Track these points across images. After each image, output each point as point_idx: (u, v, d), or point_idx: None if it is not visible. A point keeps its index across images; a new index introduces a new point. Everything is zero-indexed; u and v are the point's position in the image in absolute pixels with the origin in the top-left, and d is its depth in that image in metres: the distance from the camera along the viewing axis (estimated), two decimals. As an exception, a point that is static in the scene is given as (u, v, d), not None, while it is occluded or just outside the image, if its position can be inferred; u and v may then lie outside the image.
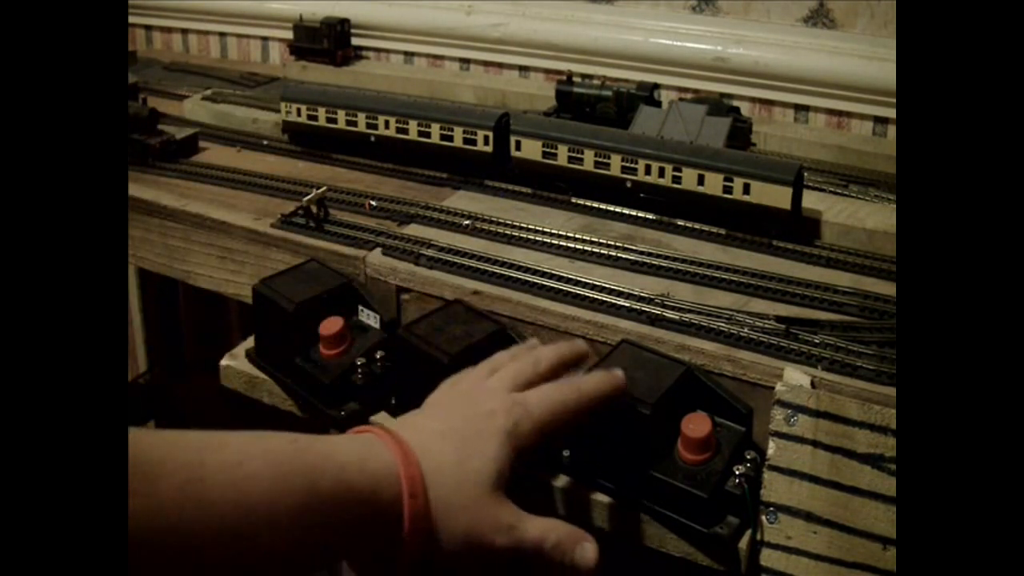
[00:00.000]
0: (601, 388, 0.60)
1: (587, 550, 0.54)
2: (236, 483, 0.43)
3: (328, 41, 1.37)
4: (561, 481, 0.67)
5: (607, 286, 0.76)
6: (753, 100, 1.19)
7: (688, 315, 0.72)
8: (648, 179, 0.88)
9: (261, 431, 0.48)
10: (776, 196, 0.82)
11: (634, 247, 0.83)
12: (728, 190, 0.84)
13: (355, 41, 1.42)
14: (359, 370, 0.74)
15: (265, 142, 1.14)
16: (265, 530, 0.44)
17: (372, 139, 1.04)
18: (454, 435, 0.53)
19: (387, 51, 1.45)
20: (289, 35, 1.41)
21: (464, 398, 0.57)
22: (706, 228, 0.87)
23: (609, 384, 0.60)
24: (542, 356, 0.61)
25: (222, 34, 1.61)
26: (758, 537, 0.61)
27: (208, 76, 1.44)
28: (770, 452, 0.61)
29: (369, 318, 0.79)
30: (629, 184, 0.89)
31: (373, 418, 0.76)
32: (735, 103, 1.16)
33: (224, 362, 0.84)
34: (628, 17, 1.26)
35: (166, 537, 0.41)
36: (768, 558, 0.61)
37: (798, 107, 1.17)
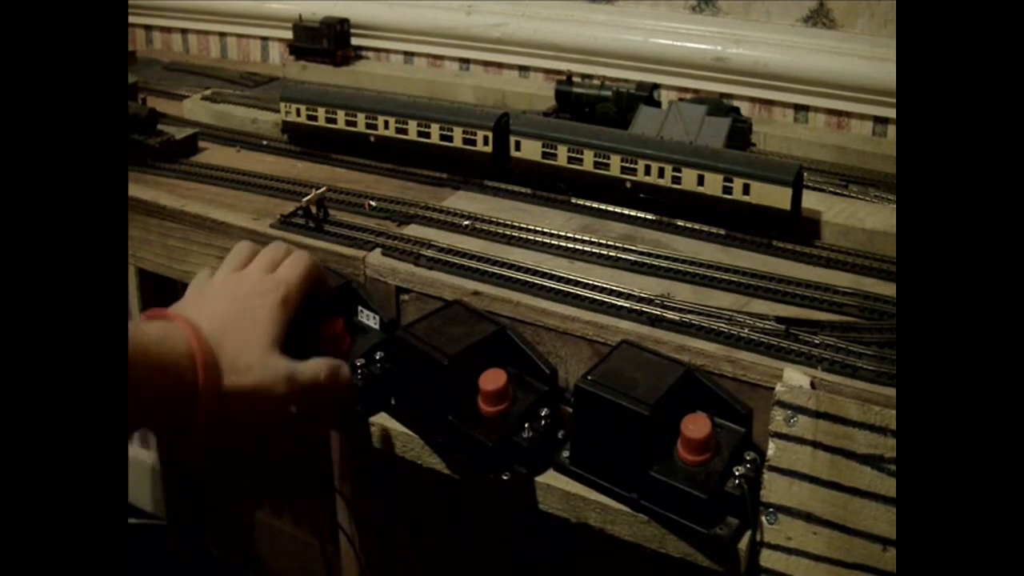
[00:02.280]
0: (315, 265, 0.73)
1: (344, 369, 0.70)
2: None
3: (328, 41, 1.37)
4: (561, 481, 0.67)
5: (607, 286, 0.76)
6: (753, 100, 1.19)
7: (688, 316, 0.72)
8: (648, 179, 0.88)
9: None
10: (776, 196, 0.82)
11: (634, 247, 0.83)
12: (728, 190, 0.84)
13: (355, 41, 1.42)
14: (359, 371, 0.74)
15: (265, 142, 1.13)
16: None
17: (372, 139, 1.04)
18: (232, 312, 0.66)
19: (387, 51, 1.45)
20: (289, 35, 1.41)
21: (244, 281, 0.69)
22: (706, 228, 0.87)
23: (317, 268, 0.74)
24: (278, 247, 0.74)
25: (222, 34, 1.61)
26: (758, 538, 0.61)
27: (208, 76, 1.44)
28: (770, 453, 0.61)
29: (369, 319, 0.79)
30: (629, 184, 0.89)
31: (372, 418, 0.76)
32: (735, 103, 1.16)
33: (224, 362, 0.83)
34: (628, 17, 1.26)
35: None
36: (768, 559, 0.61)
37: (798, 107, 1.17)
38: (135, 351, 0.56)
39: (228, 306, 0.66)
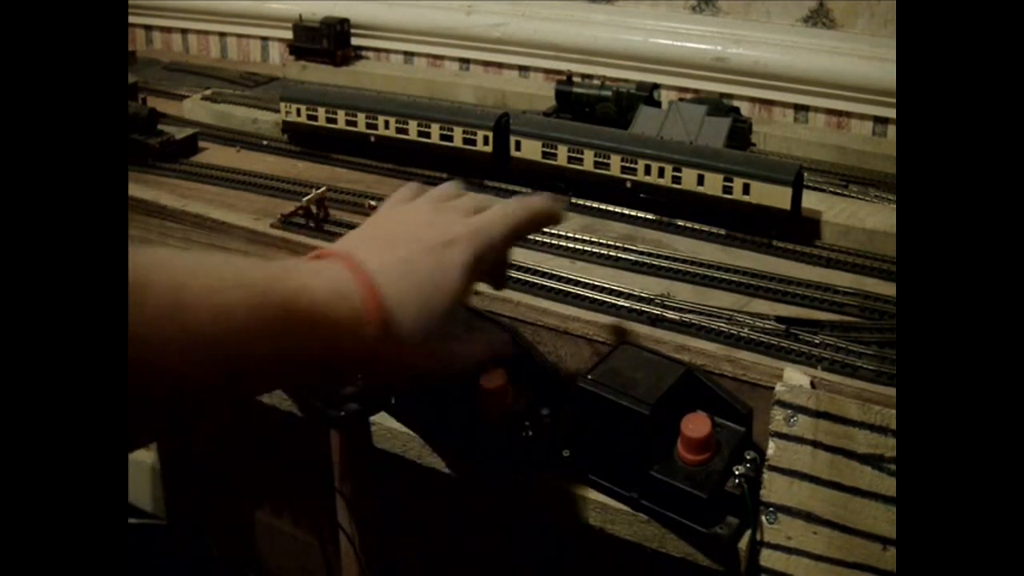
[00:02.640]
0: (548, 208, 0.62)
1: (503, 344, 0.66)
2: (214, 310, 0.45)
3: (328, 41, 1.37)
4: (561, 481, 0.67)
5: (607, 286, 0.76)
6: (753, 100, 1.19)
7: (688, 315, 0.72)
8: (648, 179, 0.88)
9: (234, 256, 0.52)
10: (776, 196, 0.82)
11: (634, 247, 0.83)
12: (728, 190, 0.84)
13: (355, 41, 1.42)
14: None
15: (265, 142, 1.13)
16: (242, 356, 0.47)
17: (372, 139, 1.04)
18: (416, 269, 0.54)
19: (387, 51, 1.45)
20: (289, 35, 1.41)
21: (423, 225, 0.58)
22: (706, 228, 0.87)
23: (551, 209, 0.62)
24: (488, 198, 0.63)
25: (222, 34, 1.61)
26: (758, 537, 0.61)
27: (208, 76, 1.44)
28: (770, 452, 0.61)
29: (369, 318, 0.79)
30: (629, 184, 0.89)
31: (372, 418, 0.76)
32: (735, 103, 1.16)
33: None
34: (628, 17, 1.26)
35: (151, 358, 0.43)
36: (768, 558, 0.61)
37: (798, 107, 1.17)
38: (300, 305, 0.49)
39: (410, 259, 0.55)
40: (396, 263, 0.54)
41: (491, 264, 0.59)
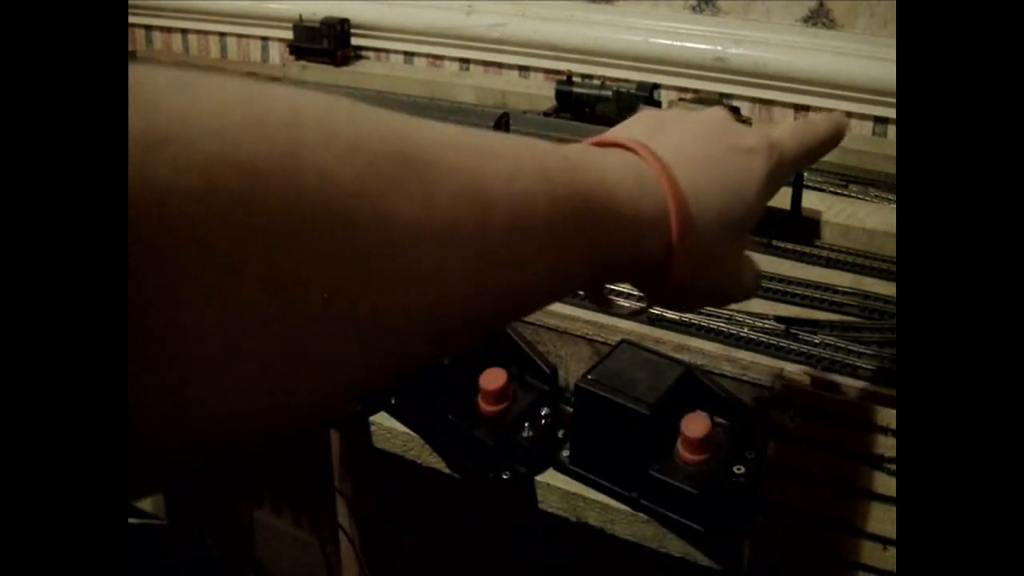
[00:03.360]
0: (836, 125, 0.55)
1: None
2: (511, 198, 0.37)
3: (328, 41, 1.37)
4: (561, 481, 0.67)
5: (607, 286, 0.76)
6: (753, 100, 1.19)
7: (688, 315, 0.72)
8: (648, 179, 0.88)
9: (524, 139, 0.42)
10: (775, 196, 0.82)
11: (634, 247, 0.83)
12: (728, 190, 0.84)
13: (355, 41, 1.42)
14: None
15: (265, 142, 1.13)
16: (536, 251, 0.39)
17: (372, 139, 1.04)
18: (718, 170, 0.47)
19: (387, 51, 1.45)
20: (289, 35, 1.41)
21: (717, 126, 0.49)
22: (706, 228, 0.86)
23: (840, 123, 0.56)
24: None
25: (222, 34, 1.61)
26: (758, 537, 0.61)
27: (208, 76, 1.44)
28: (770, 452, 0.61)
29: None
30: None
31: (372, 418, 0.76)
32: (735, 103, 1.16)
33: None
34: (628, 17, 1.26)
35: (436, 247, 0.34)
36: (768, 558, 0.61)
37: (798, 107, 1.17)
38: (601, 195, 0.41)
39: (709, 156, 0.47)
40: (695, 158, 0.46)
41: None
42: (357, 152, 0.30)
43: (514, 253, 0.37)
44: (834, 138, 0.55)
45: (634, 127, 0.49)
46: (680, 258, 0.44)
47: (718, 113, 0.51)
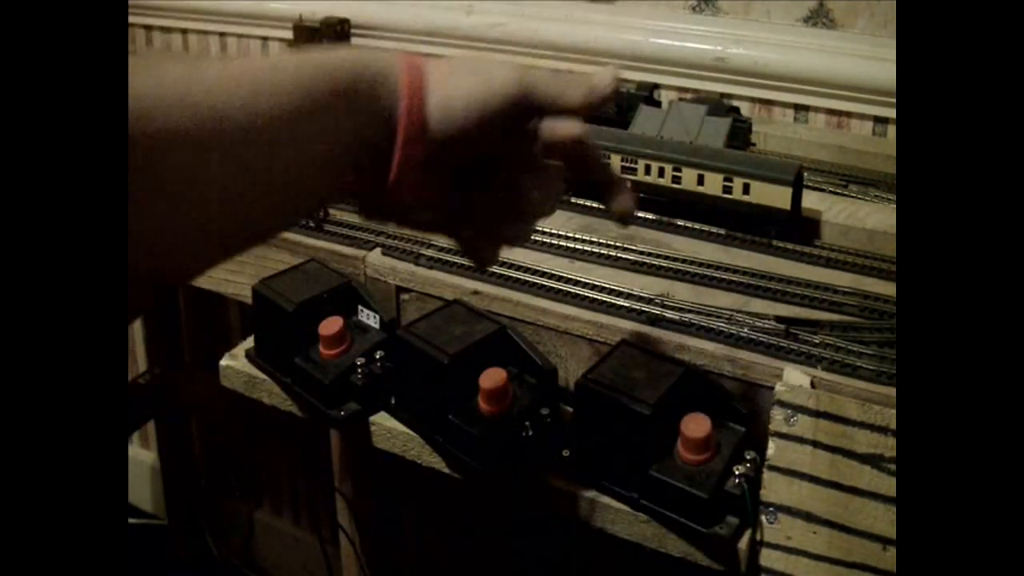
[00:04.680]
0: (598, 89, 0.57)
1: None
2: (235, 74, 0.42)
3: (328, 41, 1.37)
4: (561, 481, 0.67)
5: (607, 286, 0.76)
6: (753, 100, 1.19)
7: (688, 315, 0.72)
8: (648, 179, 0.88)
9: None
10: (776, 196, 0.82)
11: (634, 247, 0.83)
12: (728, 190, 0.84)
13: (355, 41, 1.42)
14: (359, 370, 0.74)
15: (265, 142, 1.13)
16: (265, 117, 0.42)
17: (372, 139, 1.04)
18: (466, 62, 0.50)
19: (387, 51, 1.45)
20: (289, 35, 1.41)
21: (466, 59, 0.53)
22: (706, 228, 0.87)
23: (611, 80, 0.57)
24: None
25: (222, 34, 1.61)
26: (758, 537, 0.61)
27: (208, 76, 1.44)
28: (770, 452, 0.61)
29: (369, 318, 0.79)
30: (629, 184, 0.89)
31: (372, 418, 0.76)
32: (735, 103, 1.16)
33: (224, 362, 0.84)
34: (628, 17, 1.26)
35: (168, 122, 0.40)
36: (768, 558, 0.61)
37: (798, 107, 1.17)
38: (338, 58, 0.45)
39: (460, 74, 0.49)
40: (446, 61, 0.50)
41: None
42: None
43: (250, 104, 0.41)
44: (602, 100, 0.57)
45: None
46: (414, 97, 0.47)
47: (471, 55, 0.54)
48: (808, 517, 0.60)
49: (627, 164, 0.88)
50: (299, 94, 0.43)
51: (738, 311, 0.72)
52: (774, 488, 0.61)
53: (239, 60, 0.43)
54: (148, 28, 1.69)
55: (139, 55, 0.39)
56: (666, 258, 0.81)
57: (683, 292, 0.76)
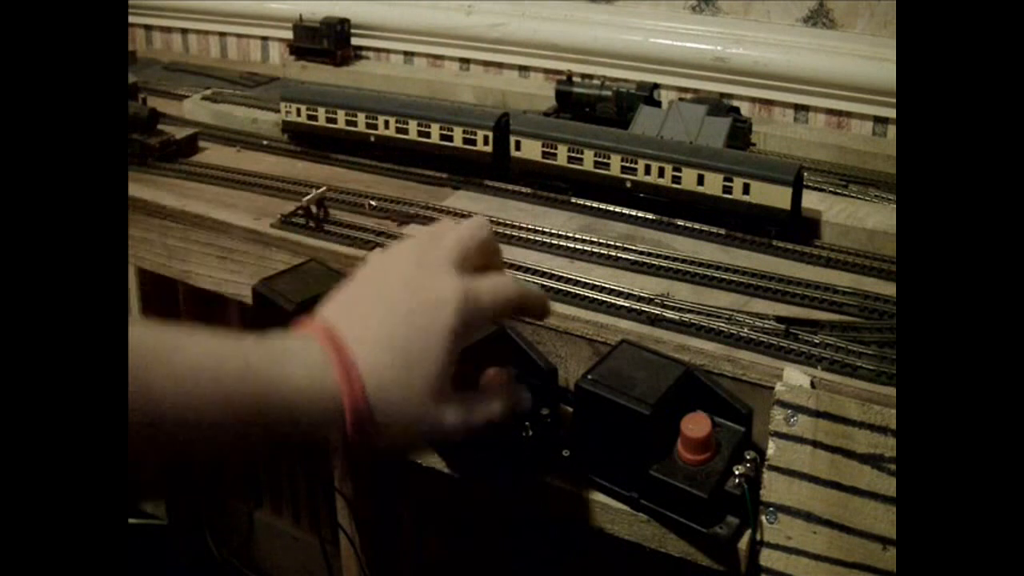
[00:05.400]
0: (544, 299, 0.59)
1: (520, 391, 0.58)
2: (183, 399, 0.44)
3: (328, 41, 1.37)
4: (561, 481, 0.67)
5: (607, 286, 0.76)
6: (753, 100, 1.19)
7: (688, 315, 0.72)
8: (648, 179, 0.88)
9: (215, 338, 0.48)
10: (776, 196, 0.82)
11: (634, 247, 0.83)
12: (728, 190, 0.84)
13: (355, 41, 1.42)
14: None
15: (265, 142, 1.14)
16: (209, 443, 0.46)
17: (372, 139, 1.04)
18: (399, 343, 0.51)
19: (387, 51, 1.45)
20: (289, 35, 1.41)
21: (408, 282, 0.53)
22: (706, 228, 0.87)
23: (539, 296, 0.59)
24: (488, 238, 0.58)
25: (222, 34, 1.61)
26: (758, 537, 0.61)
27: (208, 76, 1.44)
28: (770, 452, 0.61)
29: (369, 318, 0.79)
30: (629, 184, 0.89)
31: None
32: (735, 103, 1.16)
33: (224, 362, 0.83)
34: (628, 17, 1.26)
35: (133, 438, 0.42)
36: (768, 558, 0.61)
37: (798, 107, 1.17)
38: (275, 400, 0.47)
39: (392, 330, 0.51)
40: (380, 330, 0.51)
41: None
42: None
43: (188, 443, 0.45)
44: (540, 305, 0.59)
45: (340, 299, 0.55)
46: (356, 437, 0.49)
47: (409, 267, 0.54)
48: (808, 517, 0.60)
49: (627, 164, 0.88)
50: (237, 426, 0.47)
51: (738, 311, 0.72)
52: (774, 488, 0.61)
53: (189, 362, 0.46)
54: (148, 28, 1.69)
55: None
56: (666, 258, 0.81)
57: (683, 292, 0.76)
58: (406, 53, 1.44)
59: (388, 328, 0.52)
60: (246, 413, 0.47)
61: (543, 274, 0.78)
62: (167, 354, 0.45)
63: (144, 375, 0.43)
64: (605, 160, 0.90)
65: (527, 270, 0.79)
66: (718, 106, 1.02)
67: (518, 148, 0.95)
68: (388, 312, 0.52)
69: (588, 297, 0.75)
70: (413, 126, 1.01)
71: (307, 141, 1.10)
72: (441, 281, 0.53)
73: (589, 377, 0.64)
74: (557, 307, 0.74)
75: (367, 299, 0.54)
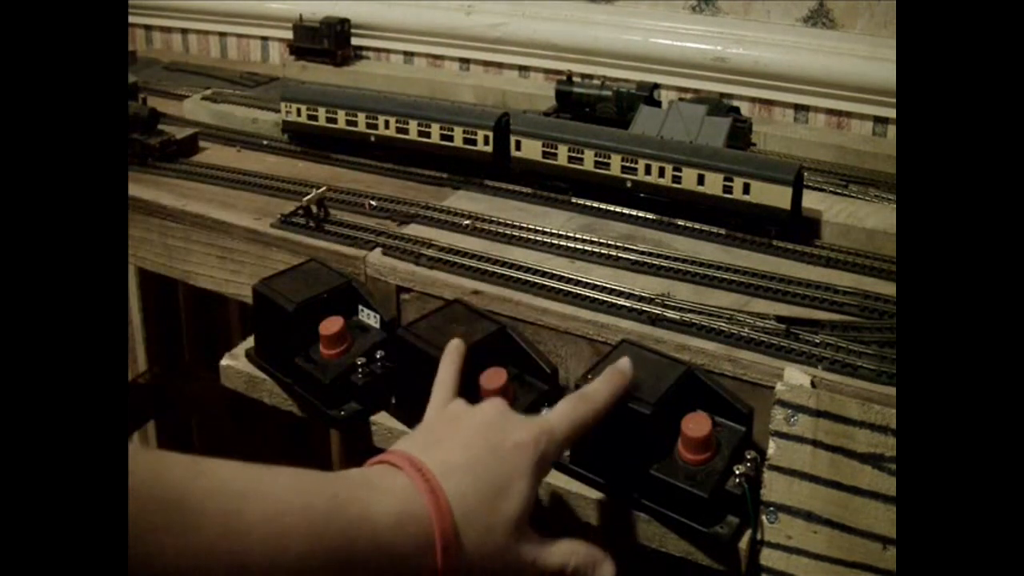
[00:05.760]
0: (612, 392, 0.60)
1: (605, 570, 0.56)
2: (273, 538, 0.44)
3: (328, 41, 1.37)
4: (561, 481, 0.67)
5: (607, 286, 0.76)
6: (753, 100, 1.19)
7: (688, 315, 0.72)
8: (648, 179, 0.88)
9: (301, 475, 0.49)
10: (776, 196, 0.82)
11: (634, 247, 0.83)
12: (728, 190, 0.84)
13: (355, 41, 1.42)
14: (359, 370, 0.74)
15: (265, 142, 1.13)
16: None
17: (372, 139, 1.04)
18: (483, 473, 0.53)
19: (387, 51, 1.45)
20: (289, 35, 1.41)
21: (486, 428, 0.56)
22: (706, 228, 0.87)
23: (618, 385, 0.61)
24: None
25: (222, 34, 1.61)
26: (758, 537, 0.61)
27: (208, 76, 1.44)
28: (770, 452, 0.61)
29: (369, 318, 0.79)
30: (629, 184, 0.89)
31: (373, 418, 0.76)
32: (735, 103, 1.16)
33: (224, 362, 0.84)
34: (628, 17, 1.26)
35: None
36: (768, 558, 0.61)
37: (798, 107, 1.17)
38: (364, 533, 0.47)
39: (481, 467, 0.53)
40: (463, 467, 0.53)
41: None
42: (132, 499, 0.39)
43: None
44: (611, 400, 0.60)
45: (417, 437, 0.57)
46: (450, 557, 0.49)
47: (490, 412, 0.57)
48: (808, 517, 0.60)
49: (627, 164, 0.88)
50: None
51: (738, 311, 0.72)
52: (774, 488, 0.61)
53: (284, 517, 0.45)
54: (148, 28, 1.69)
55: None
56: (666, 258, 0.81)
57: (683, 292, 0.76)
58: (406, 53, 1.44)
59: (471, 460, 0.53)
60: (335, 546, 0.46)
61: (544, 274, 0.78)
62: (256, 489, 0.46)
63: (235, 513, 0.44)
64: (605, 160, 0.90)
65: (528, 270, 0.79)
66: (718, 106, 1.02)
67: (518, 148, 0.95)
68: (469, 446, 0.54)
69: (588, 297, 0.75)
70: (413, 126, 1.01)
71: (307, 141, 1.10)
72: (519, 421, 0.56)
73: (589, 377, 0.64)
74: (557, 307, 0.74)
75: (446, 436, 0.56)
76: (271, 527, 0.44)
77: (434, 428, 0.58)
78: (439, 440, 0.55)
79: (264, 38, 1.57)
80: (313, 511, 0.46)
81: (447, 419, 0.58)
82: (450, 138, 0.99)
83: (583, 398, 0.59)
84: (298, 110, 1.08)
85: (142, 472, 0.41)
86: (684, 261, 0.80)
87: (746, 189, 0.83)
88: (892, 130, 1.11)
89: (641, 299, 0.74)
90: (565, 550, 0.56)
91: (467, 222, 0.88)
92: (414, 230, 0.88)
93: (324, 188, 0.91)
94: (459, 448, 0.54)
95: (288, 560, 0.45)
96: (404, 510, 0.49)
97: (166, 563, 0.40)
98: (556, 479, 0.67)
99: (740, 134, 1.00)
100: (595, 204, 0.92)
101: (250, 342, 0.84)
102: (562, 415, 0.58)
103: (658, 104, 1.03)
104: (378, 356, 0.75)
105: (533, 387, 0.71)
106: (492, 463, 0.53)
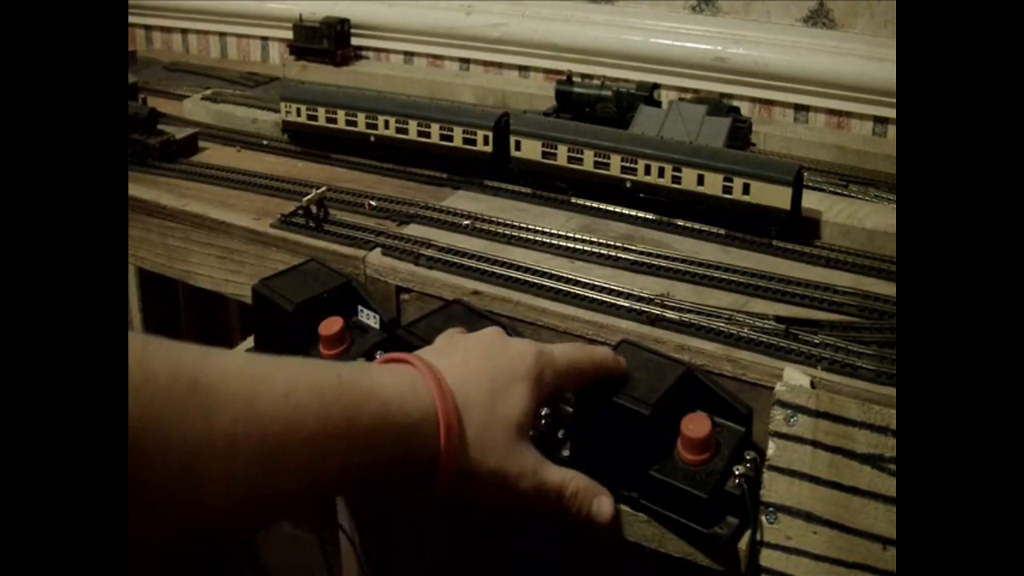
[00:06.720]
0: (609, 358, 0.62)
1: (603, 504, 0.59)
2: (286, 414, 0.46)
3: (328, 41, 1.37)
4: (561, 481, 0.67)
5: (607, 286, 0.76)
6: (753, 100, 1.19)
7: (688, 315, 0.72)
8: (648, 179, 0.88)
9: (306, 361, 0.52)
10: (776, 196, 0.82)
11: (634, 247, 0.83)
12: (728, 190, 0.84)
13: (355, 41, 1.42)
14: (359, 370, 0.74)
15: (265, 142, 1.14)
16: (311, 459, 0.47)
17: (372, 139, 1.04)
18: (485, 375, 0.55)
19: (387, 51, 1.45)
20: (289, 35, 1.41)
21: (486, 343, 0.59)
22: (706, 228, 0.87)
23: (613, 359, 0.63)
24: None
25: (222, 34, 1.61)
26: (758, 537, 0.61)
27: (208, 76, 1.44)
28: (770, 452, 0.61)
29: (369, 318, 0.79)
30: (629, 184, 0.89)
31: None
32: (735, 103, 1.16)
33: (224, 362, 0.83)
34: (628, 17, 1.26)
35: (218, 463, 0.43)
36: (768, 558, 0.61)
37: (798, 107, 1.17)
38: (371, 406, 0.50)
39: (481, 368, 0.56)
40: (461, 366, 0.56)
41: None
42: (147, 384, 0.41)
43: (289, 458, 0.46)
44: (608, 366, 0.62)
45: (427, 350, 0.59)
46: (452, 439, 0.52)
47: (489, 333, 0.61)
48: (808, 517, 0.60)
49: (627, 164, 0.88)
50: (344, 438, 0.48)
51: (738, 311, 0.72)
52: (774, 488, 0.61)
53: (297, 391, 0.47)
54: (148, 28, 1.69)
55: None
56: (666, 258, 0.81)
57: (683, 292, 0.76)
58: (406, 53, 1.44)
59: (473, 364, 0.56)
60: (346, 416, 0.48)
61: (543, 274, 0.78)
62: (267, 373, 0.47)
63: (250, 395, 0.45)
64: (605, 160, 0.90)
65: (527, 270, 0.79)
66: (718, 106, 1.02)
67: (518, 148, 0.95)
68: (469, 353, 0.57)
69: (588, 297, 0.75)
70: (413, 126, 1.01)
71: (307, 141, 1.10)
72: (518, 340, 0.60)
73: (589, 377, 0.64)
74: (557, 307, 0.74)
75: (446, 349, 0.59)
76: (283, 405, 0.46)
77: (435, 347, 0.61)
78: (438, 351, 0.59)
79: (264, 38, 1.57)
80: (320, 388, 0.48)
81: (446, 340, 0.62)
82: (450, 138, 0.99)
83: (582, 347, 0.62)
84: (298, 110, 1.08)
85: (159, 359, 0.43)
86: (684, 261, 0.80)
87: (746, 189, 0.83)
88: (892, 130, 1.11)
89: (641, 299, 0.74)
90: (566, 472, 0.58)
91: (467, 222, 0.88)
92: (414, 230, 0.88)
93: (324, 188, 0.91)
94: (459, 355, 0.57)
95: (302, 434, 0.46)
96: (409, 389, 0.52)
97: (183, 446, 0.41)
98: (556, 479, 0.67)
99: (740, 134, 1.00)
100: (595, 204, 0.92)
101: (250, 342, 0.84)
102: (561, 350, 0.60)
103: (658, 104, 1.03)
104: (377, 356, 0.75)
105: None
106: (490, 367, 0.56)
